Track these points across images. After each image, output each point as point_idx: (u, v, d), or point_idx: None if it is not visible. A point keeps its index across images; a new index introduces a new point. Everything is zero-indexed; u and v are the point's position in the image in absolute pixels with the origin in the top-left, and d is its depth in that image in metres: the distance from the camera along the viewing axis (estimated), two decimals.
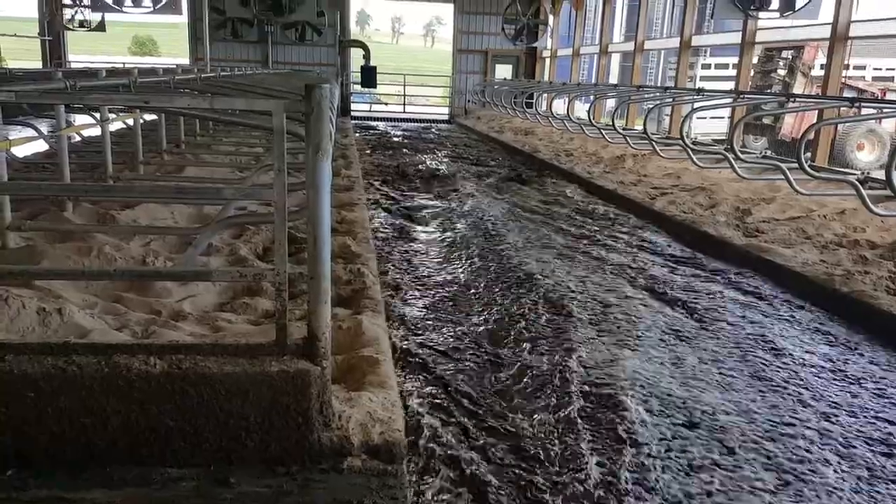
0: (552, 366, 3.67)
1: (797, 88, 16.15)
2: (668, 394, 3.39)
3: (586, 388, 3.42)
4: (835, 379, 3.70)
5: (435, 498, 2.51)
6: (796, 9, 11.16)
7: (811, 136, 9.41)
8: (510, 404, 3.25)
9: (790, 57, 16.98)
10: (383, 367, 2.93)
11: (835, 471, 2.80)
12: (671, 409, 3.23)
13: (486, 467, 2.72)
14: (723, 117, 16.88)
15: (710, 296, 4.99)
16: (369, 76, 20.45)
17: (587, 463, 2.77)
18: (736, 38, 12.56)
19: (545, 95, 18.38)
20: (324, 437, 2.32)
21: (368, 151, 13.61)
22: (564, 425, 3.06)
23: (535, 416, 3.13)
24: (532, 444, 2.90)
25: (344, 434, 2.34)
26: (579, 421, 3.10)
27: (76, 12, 20.95)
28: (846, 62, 10.76)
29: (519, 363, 3.71)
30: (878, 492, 2.68)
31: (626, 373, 3.60)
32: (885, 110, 9.25)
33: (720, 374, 3.69)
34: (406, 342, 3.95)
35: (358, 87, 23.01)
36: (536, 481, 2.63)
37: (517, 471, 2.71)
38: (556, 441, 2.93)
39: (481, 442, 2.91)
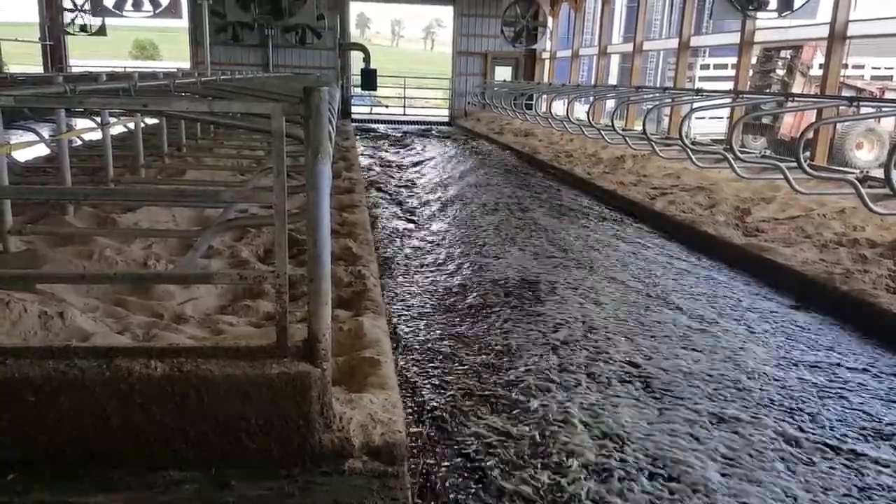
0: None
1: (796, 88, 16.17)
2: None
3: None
4: None
5: None
6: (794, 9, 11.16)
7: (810, 135, 9.41)
8: None
9: (789, 57, 17.00)
10: (384, 368, 2.93)
11: None
12: None
13: None
14: (722, 117, 16.89)
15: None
16: (369, 79, 20.46)
17: None
18: (734, 38, 12.56)
19: (545, 97, 18.38)
20: (325, 439, 2.32)
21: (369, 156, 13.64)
22: None
23: None
24: None
25: (345, 436, 2.35)
26: None
27: (77, 17, 20.97)
28: (844, 61, 10.76)
29: None
30: None
31: None
32: (883, 109, 9.25)
33: None
34: None
35: (358, 90, 23.02)
36: None
37: None
38: None
39: None
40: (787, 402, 3.33)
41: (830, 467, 2.79)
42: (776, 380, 3.59)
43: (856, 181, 6.44)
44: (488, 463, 2.76)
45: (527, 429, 3.00)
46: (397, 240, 6.65)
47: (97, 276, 3.22)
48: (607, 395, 3.34)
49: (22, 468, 2.21)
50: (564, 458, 2.78)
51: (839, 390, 3.50)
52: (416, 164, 12.48)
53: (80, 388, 2.21)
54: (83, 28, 21.06)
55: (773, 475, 2.71)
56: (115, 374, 2.23)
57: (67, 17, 21.16)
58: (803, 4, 11.21)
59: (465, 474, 2.69)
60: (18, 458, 2.22)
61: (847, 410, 3.28)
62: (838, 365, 3.84)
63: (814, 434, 3.04)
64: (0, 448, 2.21)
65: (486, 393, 3.36)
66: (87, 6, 20.47)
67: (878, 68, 18.41)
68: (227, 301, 3.83)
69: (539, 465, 2.73)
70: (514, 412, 3.17)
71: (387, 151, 14.50)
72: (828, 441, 2.98)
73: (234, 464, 2.29)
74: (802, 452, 2.88)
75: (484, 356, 3.82)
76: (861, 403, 3.36)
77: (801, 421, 3.15)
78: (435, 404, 3.25)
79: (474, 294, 4.91)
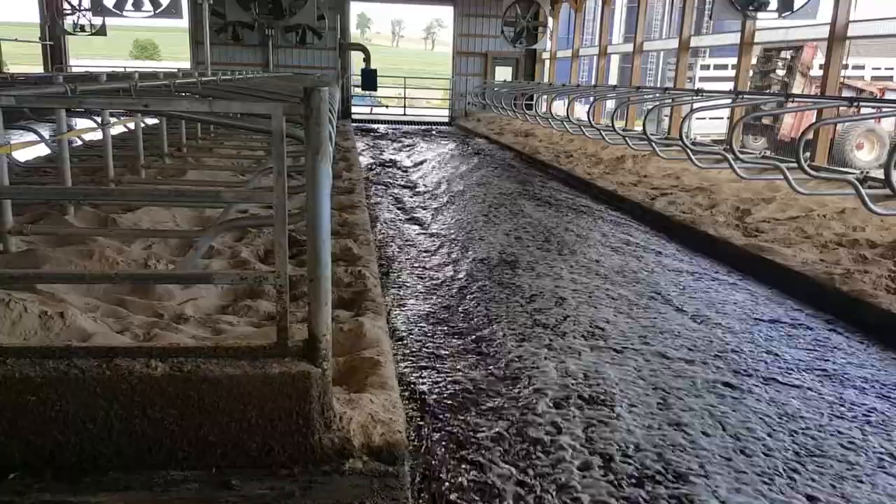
0: None
1: (796, 88, 16.18)
2: None
3: None
4: None
5: None
6: (794, 9, 11.17)
7: (810, 135, 9.42)
8: None
9: (789, 57, 17.00)
10: (384, 368, 2.94)
11: None
12: None
13: None
14: (722, 118, 16.89)
15: None
16: (370, 79, 20.47)
17: None
18: (734, 38, 12.57)
19: (545, 97, 18.39)
20: (325, 439, 2.33)
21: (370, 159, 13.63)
22: None
23: None
24: None
25: (345, 436, 2.35)
26: None
27: (77, 17, 20.98)
28: (845, 62, 10.77)
29: None
30: None
31: None
32: (883, 109, 9.26)
33: None
34: None
35: (358, 90, 23.03)
36: None
37: None
38: None
39: None
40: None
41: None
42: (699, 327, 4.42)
43: (856, 181, 6.44)
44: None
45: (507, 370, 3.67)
46: (398, 234, 6.66)
47: (98, 276, 3.23)
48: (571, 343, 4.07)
49: (22, 468, 2.22)
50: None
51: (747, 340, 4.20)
52: (416, 164, 12.49)
53: (80, 387, 2.21)
54: (83, 28, 21.06)
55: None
56: (116, 373, 2.23)
57: (68, 17, 21.16)
58: (803, 5, 11.22)
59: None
60: (19, 457, 2.23)
61: (745, 349, 4.04)
62: (758, 319, 4.58)
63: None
64: (1, 448, 2.21)
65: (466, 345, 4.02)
66: (87, 6, 20.47)
67: (879, 69, 18.40)
68: (228, 301, 3.83)
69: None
70: (492, 358, 3.82)
71: (387, 152, 14.51)
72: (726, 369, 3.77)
73: (234, 463, 2.29)
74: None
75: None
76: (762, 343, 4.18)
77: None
78: (425, 352, 3.89)
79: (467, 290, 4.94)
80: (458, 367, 3.64)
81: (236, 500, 2.15)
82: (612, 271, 5.58)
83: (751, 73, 15.25)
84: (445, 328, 4.24)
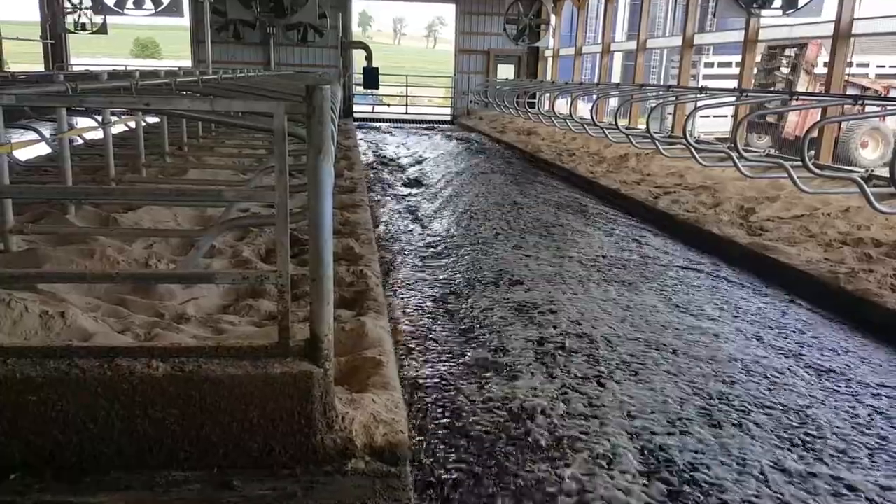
0: None
1: (800, 86, 16.12)
2: None
3: None
4: None
5: None
6: (799, 6, 11.12)
7: (815, 133, 9.38)
8: None
9: (793, 55, 16.94)
10: (386, 368, 2.92)
11: None
12: None
13: None
14: (726, 116, 16.85)
15: None
16: (371, 77, 20.44)
17: None
18: (738, 36, 12.52)
19: (547, 95, 18.36)
20: (327, 439, 2.31)
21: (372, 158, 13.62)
22: None
23: None
24: None
25: (347, 436, 2.33)
26: None
27: (78, 15, 20.98)
28: (849, 60, 10.72)
29: None
30: None
31: None
32: (888, 107, 9.21)
33: None
34: None
35: (360, 89, 23.01)
36: None
37: None
38: None
39: None
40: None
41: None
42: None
43: (860, 180, 6.41)
44: None
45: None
46: (398, 232, 6.65)
47: (99, 275, 3.21)
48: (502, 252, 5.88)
49: (23, 468, 2.20)
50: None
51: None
52: (417, 162, 12.47)
53: (81, 387, 2.20)
54: (84, 26, 21.06)
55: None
56: (117, 373, 2.22)
57: (68, 15, 21.16)
58: (808, 2, 11.17)
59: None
60: (19, 458, 2.21)
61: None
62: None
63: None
64: (1, 448, 2.20)
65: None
66: (88, 4, 20.46)
67: (883, 66, 18.35)
68: (229, 301, 3.81)
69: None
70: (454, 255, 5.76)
71: (389, 150, 14.49)
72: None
73: (236, 464, 2.28)
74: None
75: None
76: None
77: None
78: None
79: None
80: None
81: (238, 501, 2.14)
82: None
83: (755, 70, 15.19)
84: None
